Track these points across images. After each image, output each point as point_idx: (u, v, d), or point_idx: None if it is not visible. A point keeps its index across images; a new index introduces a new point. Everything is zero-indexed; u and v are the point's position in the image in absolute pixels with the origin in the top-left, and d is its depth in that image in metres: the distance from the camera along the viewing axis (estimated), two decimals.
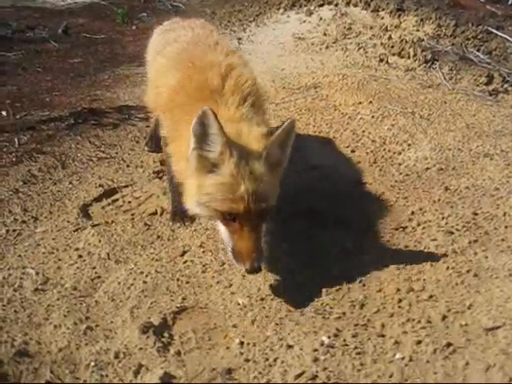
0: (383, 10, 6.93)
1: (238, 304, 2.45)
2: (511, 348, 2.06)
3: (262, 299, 2.47)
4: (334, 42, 6.38)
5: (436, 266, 2.59)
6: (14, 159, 3.73)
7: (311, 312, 2.38)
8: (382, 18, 6.84)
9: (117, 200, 3.33)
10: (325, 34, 6.62)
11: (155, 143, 3.80)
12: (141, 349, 2.17)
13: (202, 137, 2.25)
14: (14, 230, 3.00)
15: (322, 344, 2.17)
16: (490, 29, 6.26)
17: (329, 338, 2.20)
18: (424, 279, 2.52)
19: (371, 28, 6.60)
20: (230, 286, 2.57)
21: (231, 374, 2.07)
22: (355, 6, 7.18)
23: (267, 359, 2.12)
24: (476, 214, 3.03)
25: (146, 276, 2.64)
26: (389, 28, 6.48)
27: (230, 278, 2.63)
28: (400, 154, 3.83)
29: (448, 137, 4.02)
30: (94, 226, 3.05)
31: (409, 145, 3.94)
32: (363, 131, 4.17)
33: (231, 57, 2.86)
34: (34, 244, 2.89)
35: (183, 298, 2.49)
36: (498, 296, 2.35)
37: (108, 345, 2.21)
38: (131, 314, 2.38)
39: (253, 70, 2.95)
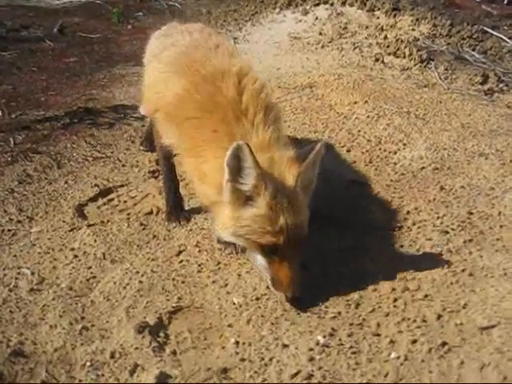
0: (379, 9, 6.95)
1: (234, 303, 2.45)
2: (506, 347, 2.06)
3: (258, 299, 2.46)
4: (330, 42, 6.38)
5: (431, 266, 2.59)
6: (9, 159, 3.72)
7: (306, 311, 2.38)
8: (378, 17, 6.86)
9: (112, 200, 3.33)
10: (320, 34, 6.62)
11: (150, 143, 3.78)
12: (136, 348, 2.17)
13: (237, 170, 2.21)
14: (10, 230, 3.00)
15: (318, 343, 2.17)
16: (485, 28, 6.26)
17: (324, 337, 2.20)
18: (419, 278, 2.52)
19: (367, 27, 6.61)
20: (226, 285, 2.57)
21: (227, 374, 2.07)
22: (351, 5, 7.19)
23: (263, 359, 2.12)
24: (471, 214, 3.03)
25: (142, 276, 2.63)
26: (384, 28, 6.49)
27: (226, 277, 2.63)
28: (395, 153, 3.84)
29: (443, 136, 4.02)
30: (89, 225, 3.04)
31: (404, 144, 3.94)
32: (359, 131, 4.17)
33: (237, 60, 2.79)
34: (30, 244, 2.89)
35: (179, 298, 2.49)
36: (492, 295, 2.35)
37: (104, 345, 2.20)
38: (127, 313, 2.38)
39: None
